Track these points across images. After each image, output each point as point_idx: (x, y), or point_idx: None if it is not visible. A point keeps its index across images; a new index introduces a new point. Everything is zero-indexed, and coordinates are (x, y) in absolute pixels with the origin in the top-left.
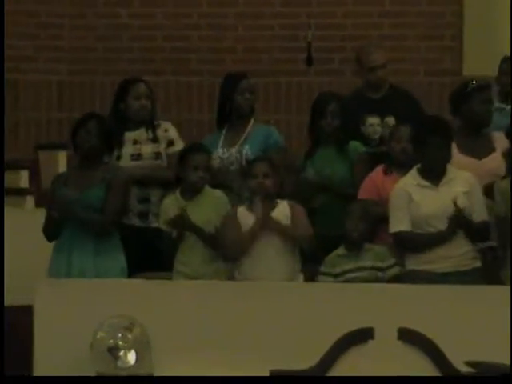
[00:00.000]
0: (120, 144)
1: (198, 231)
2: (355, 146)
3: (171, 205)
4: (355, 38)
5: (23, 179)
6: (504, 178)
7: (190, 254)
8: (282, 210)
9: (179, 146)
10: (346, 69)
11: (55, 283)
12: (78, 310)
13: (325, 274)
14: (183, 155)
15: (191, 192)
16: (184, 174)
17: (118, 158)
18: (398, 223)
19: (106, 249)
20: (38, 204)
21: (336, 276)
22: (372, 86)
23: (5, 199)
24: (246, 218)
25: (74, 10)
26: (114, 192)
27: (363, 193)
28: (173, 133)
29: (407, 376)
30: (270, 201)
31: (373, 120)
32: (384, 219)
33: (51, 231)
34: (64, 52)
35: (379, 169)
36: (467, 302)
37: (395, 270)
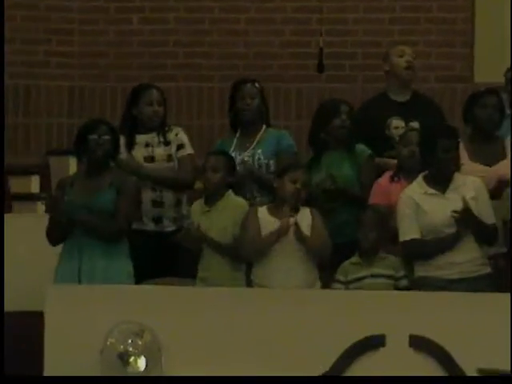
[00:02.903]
0: (131, 146)
1: (214, 245)
2: (361, 149)
3: (196, 210)
4: (366, 44)
5: (34, 185)
6: None
7: (211, 261)
8: (304, 218)
9: (189, 150)
10: (357, 75)
11: (65, 289)
12: (88, 316)
13: (339, 281)
14: (204, 160)
15: (213, 196)
16: (204, 176)
17: (131, 159)
18: (408, 232)
19: (114, 253)
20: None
21: (349, 283)
22: (398, 82)
23: (15, 204)
24: (267, 220)
25: (84, 16)
26: (125, 197)
27: (373, 198)
28: (183, 137)
29: (413, 376)
30: (295, 207)
31: (398, 123)
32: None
33: (56, 235)
34: (75, 58)
35: (387, 174)
36: (477, 309)
37: (406, 282)
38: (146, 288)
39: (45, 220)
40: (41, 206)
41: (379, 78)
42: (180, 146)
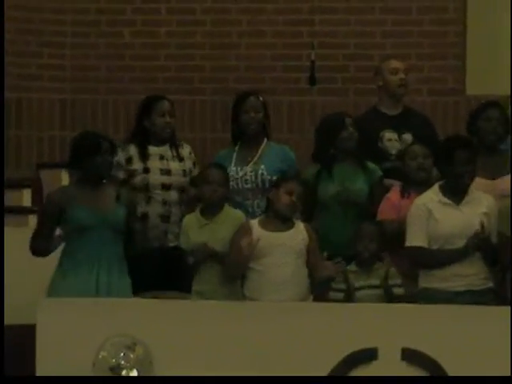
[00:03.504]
0: (145, 157)
1: (218, 258)
2: (373, 167)
3: (191, 224)
4: (358, 57)
5: (25, 198)
6: None
7: (209, 274)
8: (299, 233)
9: (198, 169)
10: (349, 88)
11: (57, 302)
12: (80, 329)
13: (336, 289)
14: (201, 172)
15: (211, 210)
16: (201, 190)
17: (146, 170)
18: (415, 238)
19: (121, 267)
20: None
21: (345, 292)
22: (390, 97)
23: (7, 218)
24: (258, 233)
25: (76, 29)
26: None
27: (382, 214)
28: (193, 157)
29: (408, 376)
30: (290, 220)
31: (390, 135)
32: (397, 238)
33: (51, 247)
34: (66, 71)
35: (396, 189)
36: (472, 322)
37: (401, 291)
38: (139, 301)
39: None
40: (32, 220)
41: (371, 91)
42: (195, 164)
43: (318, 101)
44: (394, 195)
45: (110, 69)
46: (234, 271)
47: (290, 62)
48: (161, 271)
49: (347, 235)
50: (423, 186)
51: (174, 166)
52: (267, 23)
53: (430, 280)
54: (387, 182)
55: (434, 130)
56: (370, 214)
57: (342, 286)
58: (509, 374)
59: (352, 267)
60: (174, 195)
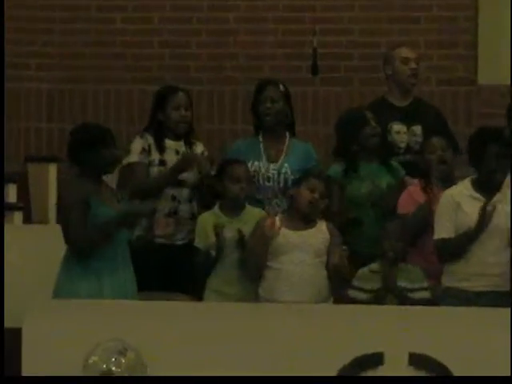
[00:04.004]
0: (162, 149)
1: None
2: (397, 167)
3: (210, 222)
4: (363, 44)
5: (11, 194)
6: None
7: (233, 273)
8: (320, 232)
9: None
10: (353, 77)
11: (45, 304)
12: (69, 333)
13: (356, 288)
14: (222, 168)
15: (232, 208)
16: (224, 187)
17: (162, 163)
18: (442, 230)
19: (130, 267)
20: (26, 220)
21: (367, 292)
22: (400, 88)
23: None
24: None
25: (64, 15)
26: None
27: (402, 208)
28: (207, 155)
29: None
30: (312, 218)
31: (399, 127)
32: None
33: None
34: (54, 59)
35: (416, 182)
36: (479, 325)
37: (424, 294)
38: (132, 303)
39: (21, 232)
40: (18, 217)
41: (377, 81)
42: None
43: (320, 91)
44: (415, 189)
45: (101, 57)
46: (254, 263)
47: (290, 50)
48: (165, 271)
49: (376, 234)
50: (444, 179)
51: None
52: (267, 8)
53: (453, 279)
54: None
55: (445, 121)
56: (395, 213)
57: (362, 285)
58: (509, 374)
59: (374, 266)
60: (185, 192)
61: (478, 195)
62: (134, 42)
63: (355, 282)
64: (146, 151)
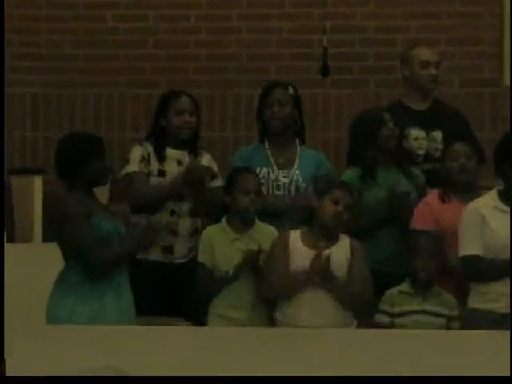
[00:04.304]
0: (162, 159)
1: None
2: (417, 173)
3: (217, 238)
4: (378, 43)
5: None
6: None
7: (243, 297)
8: (341, 248)
9: (220, 181)
10: (367, 79)
11: (32, 329)
12: (58, 360)
13: (383, 312)
14: (230, 178)
15: (241, 222)
16: (233, 199)
17: (161, 173)
18: (469, 246)
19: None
20: (9, 239)
21: (394, 316)
22: (418, 92)
23: None
24: (298, 249)
25: (51, 13)
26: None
27: (418, 222)
28: (215, 166)
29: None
30: (334, 234)
31: (417, 133)
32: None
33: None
34: (39, 61)
35: (434, 193)
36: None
37: (456, 325)
38: (128, 329)
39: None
40: None
41: (394, 82)
42: (214, 177)
43: (331, 93)
44: (432, 200)
45: (90, 58)
46: (273, 295)
47: (298, 49)
48: (162, 292)
49: (395, 250)
50: (466, 189)
51: None
52: (272, 4)
53: (480, 300)
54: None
55: (469, 126)
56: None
57: (389, 309)
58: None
59: (404, 287)
60: (185, 206)
61: (505, 207)
62: (127, 42)
63: (382, 306)
64: (146, 160)
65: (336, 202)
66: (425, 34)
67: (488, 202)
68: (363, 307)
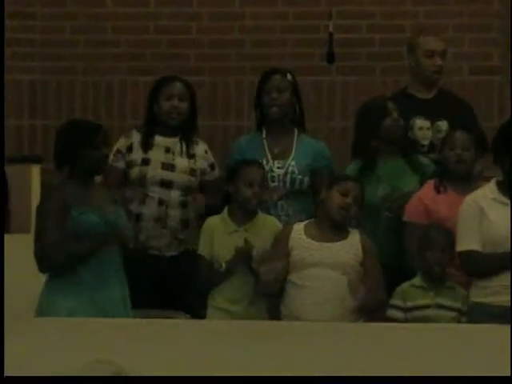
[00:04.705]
0: (147, 147)
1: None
2: (426, 162)
3: (216, 229)
4: (385, 28)
5: None
6: None
7: (242, 291)
8: (351, 244)
9: (218, 172)
10: (374, 66)
11: (27, 322)
12: (55, 354)
13: (395, 307)
14: (236, 170)
15: (243, 215)
16: (236, 190)
17: (145, 162)
18: (467, 241)
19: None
20: (8, 230)
21: (406, 310)
22: (423, 82)
23: None
24: (302, 242)
25: None
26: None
27: (409, 214)
28: (211, 156)
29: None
30: (343, 227)
31: (422, 123)
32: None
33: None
34: (37, 46)
35: (429, 185)
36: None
37: (464, 319)
38: (127, 322)
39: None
40: None
41: (401, 69)
42: (212, 167)
43: (337, 81)
44: (425, 193)
45: (90, 44)
46: (266, 286)
47: (303, 35)
48: (153, 285)
49: (396, 246)
50: (463, 180)
51: (181, 162)
52: None
53: (482, 294)
54: None
55: (474, 115)
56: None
57: (402, 304)
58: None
59: (417, 281)
60: (174, 195)
61: (505, 199)
62: (127, 28)
63: (394, 301)
64: (123, 153)
65: (345, 194)
66: (433, 20)
67: (486, 194)
68: (377, 309)
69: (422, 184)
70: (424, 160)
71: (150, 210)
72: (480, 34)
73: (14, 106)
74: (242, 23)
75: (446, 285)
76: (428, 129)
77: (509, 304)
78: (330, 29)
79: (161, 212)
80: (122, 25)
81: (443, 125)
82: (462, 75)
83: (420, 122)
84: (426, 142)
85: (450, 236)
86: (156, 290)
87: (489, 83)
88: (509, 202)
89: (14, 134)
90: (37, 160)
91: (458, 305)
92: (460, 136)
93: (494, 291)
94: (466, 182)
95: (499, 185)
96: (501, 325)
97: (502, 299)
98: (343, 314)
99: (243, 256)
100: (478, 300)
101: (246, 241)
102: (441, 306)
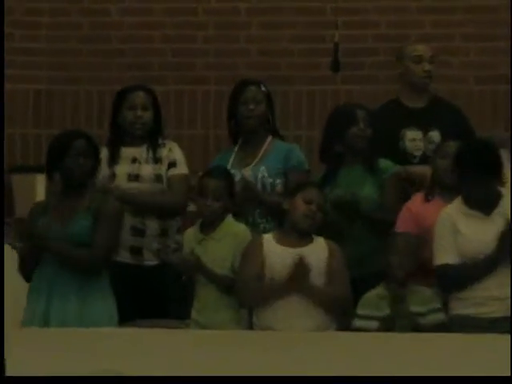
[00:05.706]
0: (115, 161)
1: (209, 274)
2: (387, 165)
3: (190, 239)
4: (390, 38)
5: None
6: None
7: (205, 300)
8: (318, 250)
9: (182, 169)
10: (378, 75)
11: (31, 333)
12: (56, 364)
13: (364, 317)
14: (201, 180)
15: (210, 223)
16: (199, 202)
17: (112, 177)
18: (443, 255)
19: (93, 293)
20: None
21: (374, 320)
22: (413, 88)
23: None
24: (274, 250)
25: (53, 6)
26: (104, 223)
27: (400, 225)
28: (177, 153)
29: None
30: (308, 234)
31: (414, 134)
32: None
33: (28, 269)
34: (42, 56)
35: (418, 195)
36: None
37: (438, 317)
38: (123, 332)
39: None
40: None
41: None
42: (172, 164)
43: (342, 90)
44: (414, 203)
45: (94, 53)
46: (251, 301)
47: (309, 45)
48: (135, 295)
49: (357, 252)
50: (451, 190)
51: (146, 169)
52: None
53: (462, 305)
54: (408, 169)
55: (469, 124)
56: (388, 225)
57: (374, 313)
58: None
59: (380, 290)
60: None
61: (473, 212)
62: (132, 37)
63: (360, 311)
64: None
65: (309, 202)
66: (439, 29)
67: (458, 208)
68: (343, 309)
69: (381, 187)
70: (384, 163)
71: (125, 221)
72: (486, 44)
73: (19, 116)
74: (248, 33)
75: (411, 289)
76: (420, 140)
77: (493, 315)
78: (336, 38)
79: (137, 222)
80: (127, 34)
81: (435, 135)
82: (468, 84)
83: (411, 134)
84: (418, 154)
85: (415, 241)
86: (134, 300)
87: (495, 92)
88: (478, 213)
89: (20, 144)
90: (42, 169)
91: (418, 308)
92: (453, 145)
93: (474, 303)
94: (455, 191)
95: (465, 200)
96: (484, 334)
97: (484, 311)
98: (316, 324)
99: (190, 267)
100: (459, 312)
101: (193, 252)
102: (404, 315)
